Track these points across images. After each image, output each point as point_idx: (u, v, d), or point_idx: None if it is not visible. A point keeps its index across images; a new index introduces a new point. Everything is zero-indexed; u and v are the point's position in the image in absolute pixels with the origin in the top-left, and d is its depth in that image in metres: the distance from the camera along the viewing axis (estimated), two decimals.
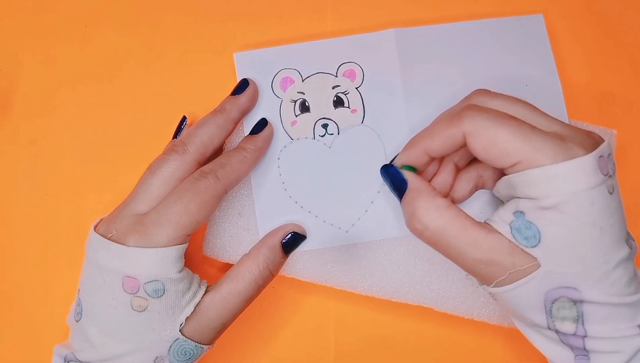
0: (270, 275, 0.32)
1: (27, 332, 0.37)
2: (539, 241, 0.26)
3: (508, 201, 0.28)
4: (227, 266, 0.36)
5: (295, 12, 0.40)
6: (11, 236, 0.38)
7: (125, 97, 0.39)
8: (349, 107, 0.36)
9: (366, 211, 0.35)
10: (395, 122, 0.36)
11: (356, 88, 0.36)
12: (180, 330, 0.29)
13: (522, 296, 0.27)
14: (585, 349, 0.27)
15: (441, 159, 0.32)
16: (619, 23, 0.39)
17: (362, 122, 0.36)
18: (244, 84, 0.35)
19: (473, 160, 0.32)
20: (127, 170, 0.37)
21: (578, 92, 0.38)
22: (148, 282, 0.28)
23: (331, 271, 0.36)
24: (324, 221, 0.35)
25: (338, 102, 0.36)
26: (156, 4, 0.40)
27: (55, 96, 0.39)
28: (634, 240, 0.28)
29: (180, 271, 0.29)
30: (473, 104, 0.29)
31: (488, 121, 0.27)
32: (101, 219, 0.31)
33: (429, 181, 0.32)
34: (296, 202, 0.36)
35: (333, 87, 0.36)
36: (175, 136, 0.34)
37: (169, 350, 0.29)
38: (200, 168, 0.31)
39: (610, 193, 0.26)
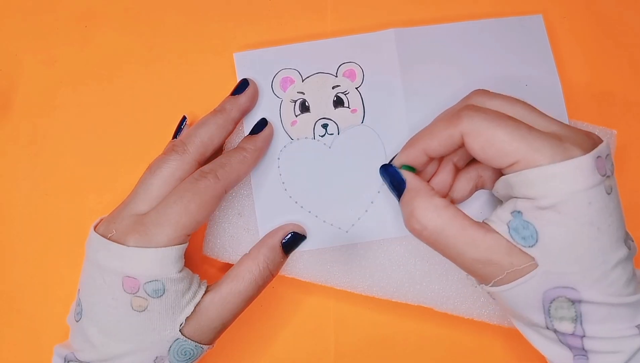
0: (270, 275, 0.32)
1: (27, 332, 0.37)
2: (537, 241, 0.26)
3: (507, 201, 0.28)
4: (227, 266, 0.36)
5: (295, 12, 0.40)
6: (11, 236, 0.38)
7: (125, 97, 0.39)
8: (349, 107, 0.36)
9: (366, 211, 0.35)
10: (395, 122, 0.36)
11: (356, 88, 0.36)
12: (180, 330, 0.29)
13: (520, 296, 0.27)
14: (583, 349, 0.27)
15: (440, 159, 0.32)
16: (619, 23, 0.39)
17: (362, 122, 0.36)
18: (244, 84, 0.35)
19: (473, 160, 0.32)
20: (127, 170, 0.37)
21: (578, 92, 0.38)
22: (148, 282, 0.28)
23: (331, 271, 0.36)
24: (324, 221, 0.35)
25: (338, 102, 0.36)
26: (156, 4, 0.40)
27: (55, 96, 0.39)
28: (633, 241, 0.28)
29: (180, 271, 0.29)
30: (472, 105, 0.29)
31: (486, 121, 0.27)
32: (101, 219, 0.31)
33: (428, 181, 0.32)
34: (296, 202, 0.36)
35: (333, 87, 0.36)
36: (175, 136, 0.34)
37: (169, 350, 0.30)
38: (200, 168, 0.31)
39: (609, 193, 0.26)
